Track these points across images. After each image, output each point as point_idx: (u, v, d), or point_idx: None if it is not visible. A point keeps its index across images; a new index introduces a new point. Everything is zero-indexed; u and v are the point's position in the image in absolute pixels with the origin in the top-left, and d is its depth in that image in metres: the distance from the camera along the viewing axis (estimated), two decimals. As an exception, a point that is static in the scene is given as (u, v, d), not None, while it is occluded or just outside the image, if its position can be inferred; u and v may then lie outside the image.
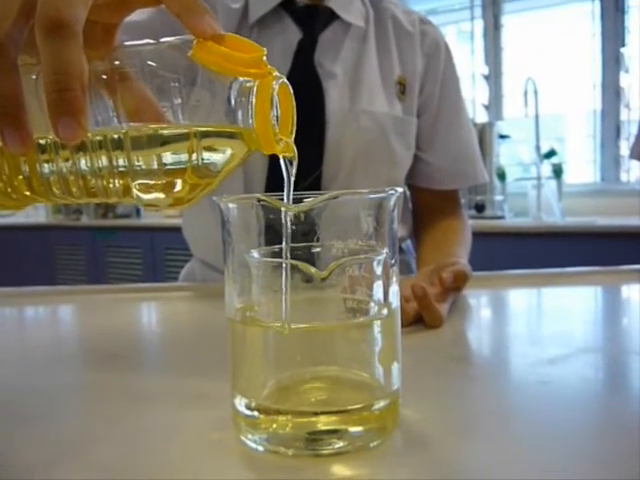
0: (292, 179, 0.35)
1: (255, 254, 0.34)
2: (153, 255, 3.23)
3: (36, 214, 4.05)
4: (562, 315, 0.72)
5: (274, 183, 0.89)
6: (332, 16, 0.93)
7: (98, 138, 0.33)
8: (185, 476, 0.33)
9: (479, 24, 3.30)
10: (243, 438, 0.36)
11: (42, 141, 0.34)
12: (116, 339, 0.65)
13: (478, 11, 3.30)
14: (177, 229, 1.15)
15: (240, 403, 0.36)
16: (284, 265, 0.33)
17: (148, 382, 0.51)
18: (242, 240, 0.36)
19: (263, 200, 0.33)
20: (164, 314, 0.83)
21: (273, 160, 0.88)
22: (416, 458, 0.34)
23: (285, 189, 0.35)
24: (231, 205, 0.35)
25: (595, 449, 0.35)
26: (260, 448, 0.35)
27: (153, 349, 0.65)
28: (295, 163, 0.35)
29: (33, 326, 0.80)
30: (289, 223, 0.33)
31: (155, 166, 0.33)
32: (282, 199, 0.33)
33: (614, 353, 0.55)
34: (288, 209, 0.32)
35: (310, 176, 0.88)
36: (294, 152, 0.36)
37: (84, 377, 0.53)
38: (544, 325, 0.70)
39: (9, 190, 0.36)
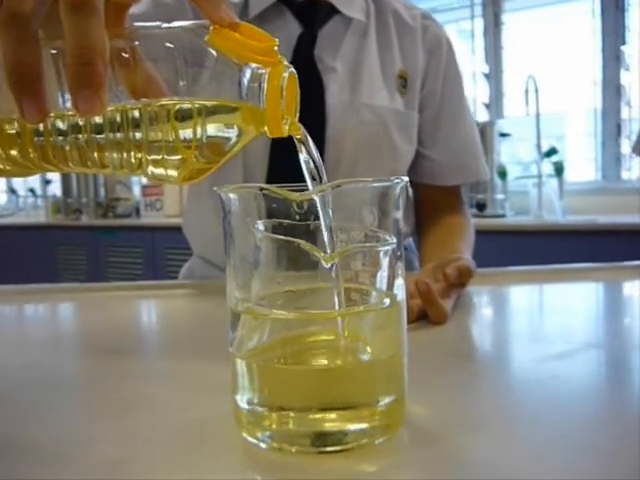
0: (318, 159, 0.36)
1: (260, 225, 0.34)
2: (153, 254, 3.22)
3: (36, 214, 4.05)
4: (567, 311, 0.72)
5: (275, 174, 0.88)
6: (332, 10, 0.93)
7: (115, 114, 0.33)
8: (185, 474, 0.32)
9: (479, 22, 3.29)
10: (245, 435, 0.35)
11: (58, 113, 0.34)
12: (116, 337, 0.64)
13: (478, 9, 3.29)
14: (177, 228, 1.14)
15: (242, 399, 0.35)
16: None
17: (148, 379, 0.50)
18: (243, 231, 0.35)
19: (266, 189, 0.32)
20: (164, 312, 0.82)
21: (274, 151, 0.87)
22: (423, 456, 0.33)
23: (315, 172, 0.36)
24: (232, 195, 0.35)
25: (605, 444, 0.34)
26: (263, 445, 0.34)
27: (153, 347, 0.65)
28: (311, 141, 0.36)
29: (33, 324, 0.79)
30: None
31: (164, 140, 0.34)
32: (285, 188, 0.33)
33: (620, 348, 0.54)
34: (291, 198, 0.31)
35: None
36: (300, 130, 0.36)
37: (84, 374, 0.53)
38: (549, 321, 0.70)
39: (21, 159, 0.36)
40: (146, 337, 0.69)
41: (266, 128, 0.36)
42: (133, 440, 0.37)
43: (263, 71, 0.35)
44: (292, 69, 0.36)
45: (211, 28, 0.34)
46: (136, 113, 0.33)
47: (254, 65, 0.35)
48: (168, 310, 0.82)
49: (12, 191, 4.39)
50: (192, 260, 1.09)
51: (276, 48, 0.35)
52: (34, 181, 4.07)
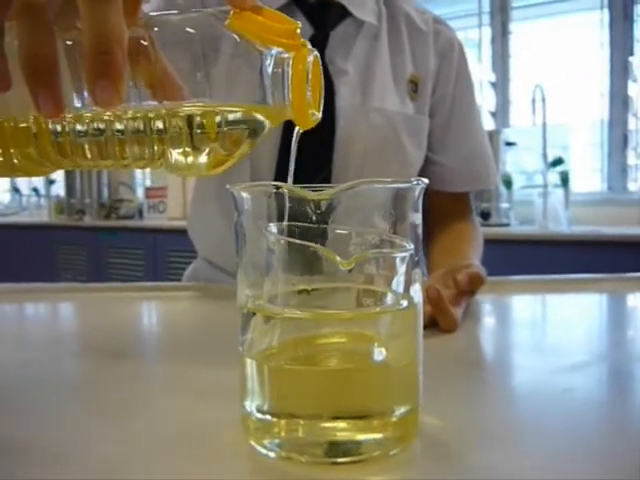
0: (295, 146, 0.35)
1: (273, 228, 0.33)
2: (155, 257, 3.21)
3: (39, 214, 4.04)
4: (571, 322, 0.71)
5: (283, 174, 0.86)
6: (344, 13, 0.92)
7: (138, 123, 0.33)
8: (187, 480, 0.31)
9: (487, 31, 3.28)
10: (253, 443, 0.34)
11: (76, 115, 0.33)
12: (119, 338, 0.63)
13: (486, 18, 3.28)
14: (180, 231, 1.13)
15: (251, 405, 0.34)
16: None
17: (151, 383, 0.49)
18: (256, 233, 0.34)
19: (282, 188, 0.30)
20: (167, 314, 0.81)
21: (282, 151, 0.86)
22: (437, 469, 0.32)
23: (291, 157, 0.35)
24: (245, 194, 0.33)
25: (622, 458, 0.33)
26: (272, 454, 0.33)
27: (156, 349, 0.63)
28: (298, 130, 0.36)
29: (33, 323, 0.78)
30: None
31: (184, 138, 0.33)
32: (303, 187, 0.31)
33: (623, 362, 0.53)
34: (309, 197, 0.30)
35: (319, 173, 0.86)
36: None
37: (84, 375, 0.52)
38: (554, 332, 0.69)
39: (37, 155, 0.35)
40: (148, 339, 0.68)
41: (293, 117, 0.35)
42: (133, 441, 0.36)
43: (286, 55, 0.34)
44: (316, 52, 0.35)
45: (231, 12, 0.33)
46: (160, 124, 0.33)
47: (276, 50, 0.34)
48: (171, 312, 0.80)
49: (15, 190, 4.39)
50: (197, 262, 1.08)
51: (299, 31, 0.34)
52: (38, 181, 4.06)
